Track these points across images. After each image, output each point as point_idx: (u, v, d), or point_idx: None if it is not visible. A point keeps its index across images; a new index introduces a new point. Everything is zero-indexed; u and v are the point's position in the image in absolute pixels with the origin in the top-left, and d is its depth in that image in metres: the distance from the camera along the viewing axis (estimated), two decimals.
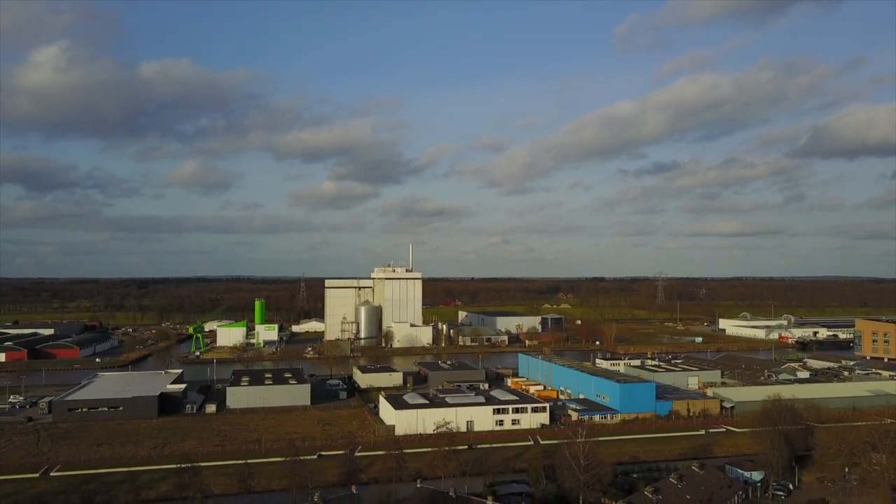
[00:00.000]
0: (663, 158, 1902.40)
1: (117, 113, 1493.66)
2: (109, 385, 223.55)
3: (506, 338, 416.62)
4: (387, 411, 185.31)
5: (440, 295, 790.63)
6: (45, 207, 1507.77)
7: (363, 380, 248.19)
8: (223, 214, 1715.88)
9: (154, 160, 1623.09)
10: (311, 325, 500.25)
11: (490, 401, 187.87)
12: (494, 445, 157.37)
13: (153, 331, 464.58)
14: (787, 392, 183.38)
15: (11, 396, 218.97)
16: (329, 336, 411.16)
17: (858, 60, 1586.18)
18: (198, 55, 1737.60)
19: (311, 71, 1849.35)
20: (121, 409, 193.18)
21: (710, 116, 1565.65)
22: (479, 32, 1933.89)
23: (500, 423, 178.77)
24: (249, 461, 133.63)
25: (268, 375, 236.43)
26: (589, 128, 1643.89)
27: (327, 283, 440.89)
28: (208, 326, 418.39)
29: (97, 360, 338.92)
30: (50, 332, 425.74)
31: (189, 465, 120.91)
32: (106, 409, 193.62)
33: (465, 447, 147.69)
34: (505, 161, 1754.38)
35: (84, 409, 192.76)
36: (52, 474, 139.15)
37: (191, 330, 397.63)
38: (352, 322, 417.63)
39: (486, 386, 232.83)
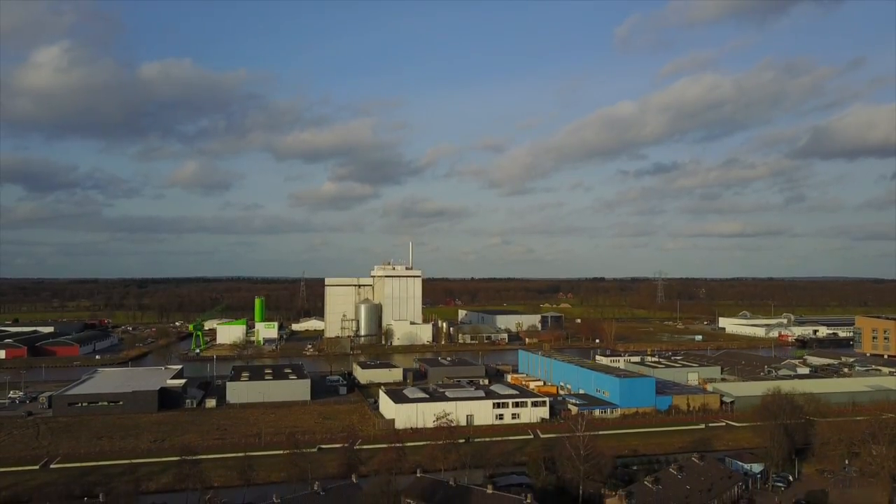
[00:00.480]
0: (664, 159, 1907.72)
1: (118, 113, 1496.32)
2: (109, 380, 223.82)
3: (505, 336, 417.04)
4: (387, 405, 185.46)
5: (440, 294, 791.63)
6: (45, 208, 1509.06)
7: (363, 376, 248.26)
8: (223, 215, 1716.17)
9: (155, 161, 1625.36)
10: (311, 324, 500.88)
11: (490, 395, 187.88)
12: (494, 439, 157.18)
13: (153, 329, 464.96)
14: (787, 387, 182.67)
15: (11, 392, 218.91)
16: (329, 334, 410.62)
17: (859, 61, 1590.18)
18: (198, 55, 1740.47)
19: (312, 71, 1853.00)
20: (121, 403, 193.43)
21: (711, 117, 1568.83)
22: (479, 32, 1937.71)
23: (500, 417, 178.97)
24: (249, 454, 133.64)
25: (268, 371, 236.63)
26: (589, 128, 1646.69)
27: (327, 280, 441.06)
28: (207, 324, 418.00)
29: (97, 357, 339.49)
30: (50, 329, 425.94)
31: (190, 457, 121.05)
32: (106, 403, 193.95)
33: (464, 440, 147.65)
34: (505, 162, 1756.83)
35: (84, 404, 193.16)
36: (51, 466, 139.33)
37: (191, 328, 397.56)
38: (352, 320, 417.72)
39: (486, 381, 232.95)
